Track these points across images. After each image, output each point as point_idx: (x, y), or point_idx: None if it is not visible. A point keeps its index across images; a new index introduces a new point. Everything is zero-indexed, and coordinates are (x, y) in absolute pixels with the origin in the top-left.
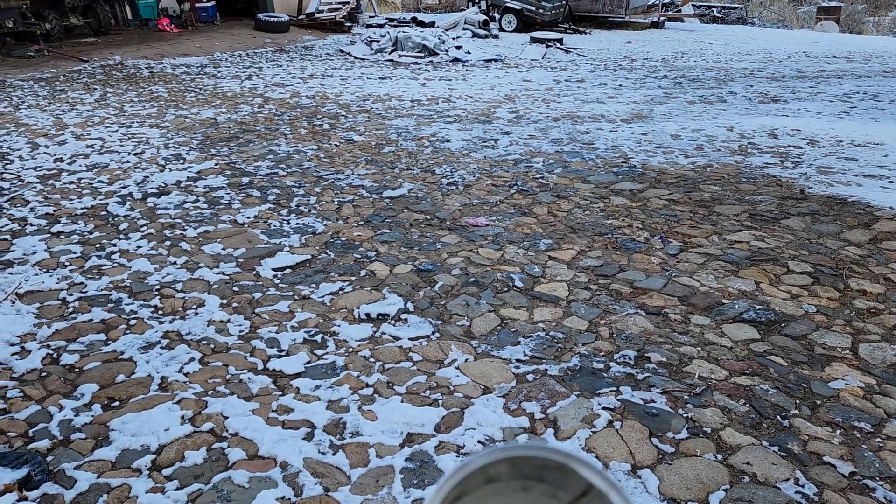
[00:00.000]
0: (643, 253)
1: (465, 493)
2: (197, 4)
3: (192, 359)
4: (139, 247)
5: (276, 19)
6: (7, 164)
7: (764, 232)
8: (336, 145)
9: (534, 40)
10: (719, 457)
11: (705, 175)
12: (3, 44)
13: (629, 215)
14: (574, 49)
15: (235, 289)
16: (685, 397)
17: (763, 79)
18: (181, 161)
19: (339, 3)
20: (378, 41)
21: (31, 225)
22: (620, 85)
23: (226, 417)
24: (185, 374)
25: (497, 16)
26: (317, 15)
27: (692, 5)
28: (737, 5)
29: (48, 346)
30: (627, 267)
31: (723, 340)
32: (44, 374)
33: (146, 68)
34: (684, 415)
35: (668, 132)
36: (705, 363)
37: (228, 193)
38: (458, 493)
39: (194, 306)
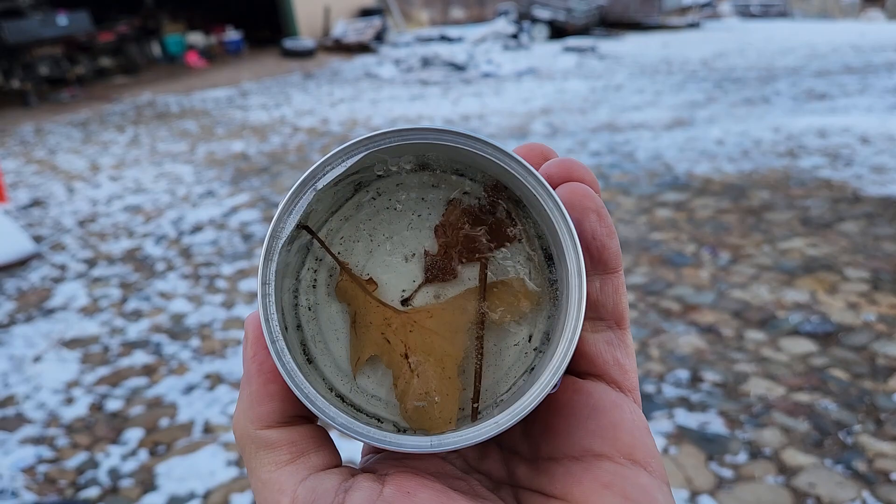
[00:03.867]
0: (692, 267)
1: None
2: (224, 39)
3: (234, 400)
4: (176, 287)
5: (302, 46)
6: (47, 209)
7: (817, 238)
8: None
9: (566, 49)
10: (781, 479)
11: (752, 181)
12: (40, 90)
13: (675, 227)
14: (609, 55)
15: None
16: (742, 418)
17: (808, 75)
18: (213, 197)
19: (365, 25)
20: (406, 61)
21: (72, 270)
22: (659, 90)
23: None
24: (228, 416)
25: (527, 26)
26: (343, 40)
27: (731, 3)
28: (776, 1)
29: (93, 393)
30: (676, 282)
31: (779, 356)
32: (90, 420)
33: (176, 104)
34: (742, 436)
35: (711, 137)
36: (762, 381)
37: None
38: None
39: (233, 345)
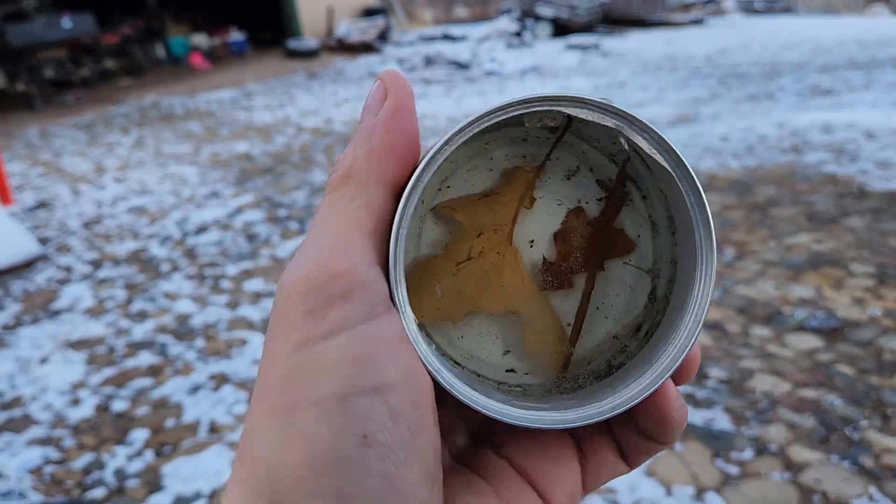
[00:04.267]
0: None
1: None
2: (228, 40)
3: (239, 400)
4: (181, 288)
5: (305, 46)
6: (52, 211)
7: (822, 233)
8: None
9: (569, 47)
10: (787, 475)
11: (757, 176)
12: (45, 93)
13: None
14: (612, 53)
15: None
16: (748, 414)
17: (813, 71)
18: (218, 198)
19: (369, 24)
20: (409, 60)
21: (77, 272)
22: (663, 87)
23: None
24: (233, 416)
25: (531, 24)
26: (347, 40)
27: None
28: None
29: (99, 394)
30: None
31: (785, 351)
32: (96, 421)
33: (180, 106)
34: (748, 433)
35: (715, 133)
36: (767, 377)
37: (266, 227)
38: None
39: (238, 345)
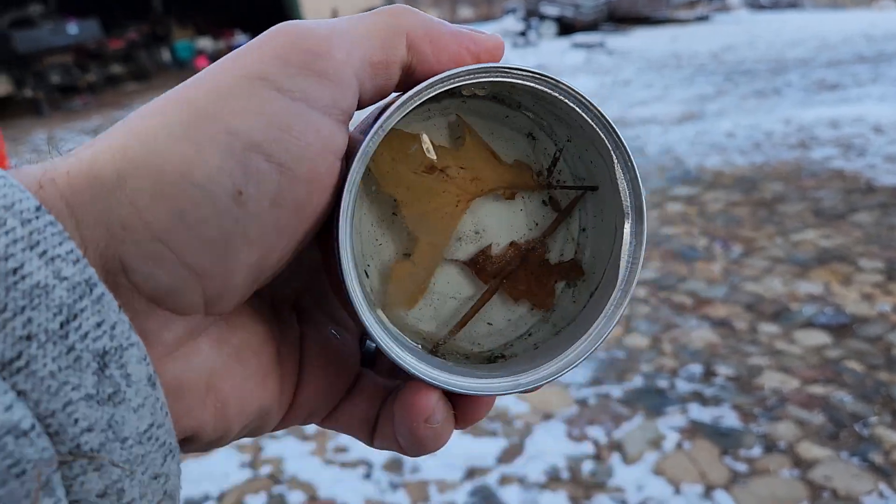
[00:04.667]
0: (704, 260)
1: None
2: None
3: None
4: None
5: None
6: None
7: (830, 229)
8: None
9: (574, 45)
10: (796, 472)
11: (764, 173)
12: (52, 99)
13: (687, 221)
14: (617, 51)
15: None
16: (756, 411)
17: (819, 66)
18: None
19: None
20: None
21: None
22: (668, 84)
23: (283, 460)
24: None
25: (535, 23)
26: None
27: None
28: None
29: None
30: (688, 277)
31: (793, 348)
32: None
33: None
34: (757, 430)
35: (721, 130)
36: (776, 374)
37: None
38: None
39: None
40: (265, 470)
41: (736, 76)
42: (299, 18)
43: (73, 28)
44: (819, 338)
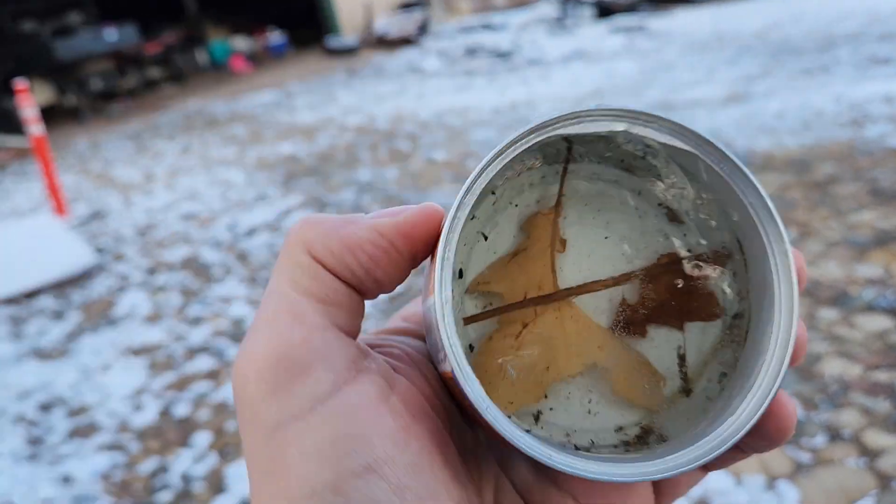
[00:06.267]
0: None
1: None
2: (268, 43)
3: None
4: (235, 291)
5: (344, 44)
6: (106, 221)
7: (888, 209)
8: (418, 166)
9: (614, 29)
10: (863, 461)
11: (816, 154)
12: (93, 105)
13: None
14: (658, 33)
15: None
16: (818, 399)
17: (870, 40)
18: (266, 200)
19: (407, 18)
20: (449, 52)
21: (133, 279)
22: (712, 66)
23: None
24: None
25: (572, 8)
26: (385, 35)
27: None
28: None
29: (161, 398)
30: None
31: (854, 333)
32: (160, 426)
33: (224, 110)
34: (819, 419)
35: (770, 111)
36: (837, 360)
37: None
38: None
39: None
40: None
41: (782, 54)
42: (332, 15)
43: (112, 34)
44: (881, 322)
